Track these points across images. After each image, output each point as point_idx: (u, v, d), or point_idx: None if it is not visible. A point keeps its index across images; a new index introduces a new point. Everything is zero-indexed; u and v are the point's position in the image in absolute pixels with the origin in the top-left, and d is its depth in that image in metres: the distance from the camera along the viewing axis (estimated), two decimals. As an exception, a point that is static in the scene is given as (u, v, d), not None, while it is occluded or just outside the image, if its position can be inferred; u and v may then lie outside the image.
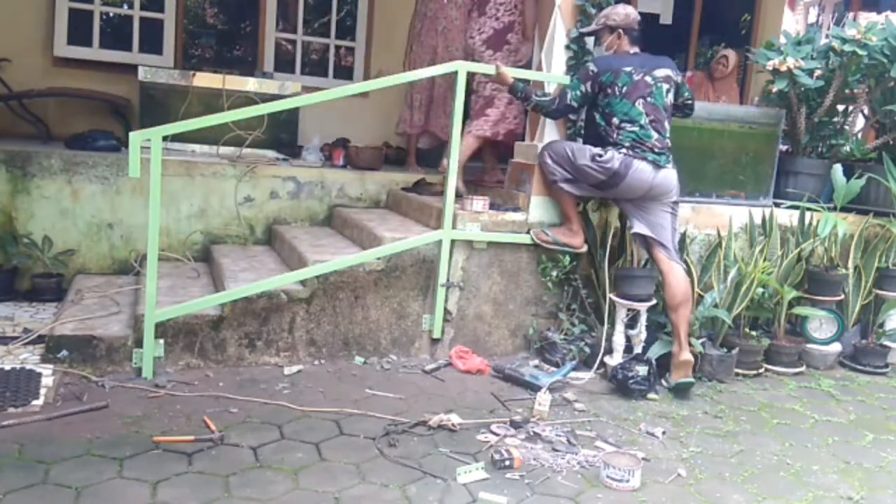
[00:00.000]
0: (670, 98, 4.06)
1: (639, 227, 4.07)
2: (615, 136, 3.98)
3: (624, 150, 3.94)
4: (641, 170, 3.94)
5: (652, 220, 4.05)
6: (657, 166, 3.96)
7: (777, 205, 5.03)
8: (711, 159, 4.86)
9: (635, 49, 4.10)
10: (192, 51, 7.10)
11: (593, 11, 4.26)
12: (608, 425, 3.51)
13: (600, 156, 3.98)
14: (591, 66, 4.02)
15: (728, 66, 6.85)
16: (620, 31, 4.07)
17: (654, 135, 3.96)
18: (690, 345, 4.02)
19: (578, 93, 4.02)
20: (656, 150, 3.96)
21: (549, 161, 4.16)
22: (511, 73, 4.30)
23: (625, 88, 3.95)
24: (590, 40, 4.35)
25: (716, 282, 4.42)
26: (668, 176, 4.01)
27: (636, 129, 3.95)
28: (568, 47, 4.33)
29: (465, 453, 3.07)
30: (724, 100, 6.75)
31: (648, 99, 3.97)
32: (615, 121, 3.98)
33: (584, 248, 4.31)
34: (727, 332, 4.42)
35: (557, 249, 4.28)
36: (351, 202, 5.41)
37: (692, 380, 3.93)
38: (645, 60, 4.04)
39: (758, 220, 4.83)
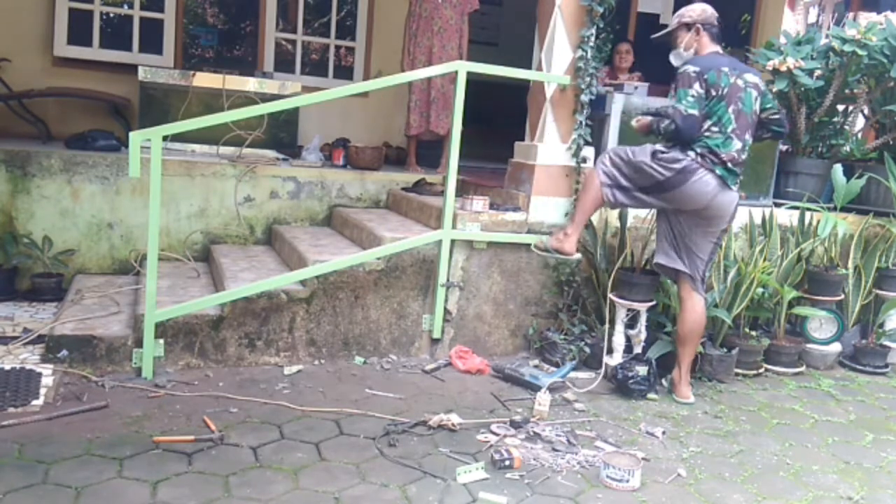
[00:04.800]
0: (757, 107, 3.74)
1: (664, 258, 3.82)
2: (699, 139, 3.67)
3: (692, 155, 3.64)
4: (706, 182, 3.61)
5: (690, 247, 3.76)
6: (724, 184, 3.63)
7: (777, 205, 5.04)
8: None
9: (717, 48, 3.79)
10: (192, 51, 7.10)
11: (600, 10, 4.26)
12: (608, 425, 3.51)
13: (663, 152, 3.68)
14: (692, 68, 3.65)
15: None
16: (699, 26, 3.77)
17: (736, 145, 3.64)
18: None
19: (691, 98, 3.61)
20: (729, 165, 3.64)
21: (607, 163, 3.83)
22: (510, 72, 4.30)
23: (725, 90, 3.62)
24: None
25: (716, 282, 4.42)
26: (731, 199, 3.69)
27: (719, 136, 3.62)
28: (579, 47, 4.31)
29: (465, 453, 3.07)
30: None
31: (738, 105, 3.65)
32: (706, 124, 3.65)
33: (577, 256, 4.04)
34: (727, 332, 4.42)
35: (549, 256, 4.09)
36: (351, 202, 5.41)
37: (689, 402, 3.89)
38: (734, 63, 3.73)
39: (758, 220, 4.84)
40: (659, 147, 3.73)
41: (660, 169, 3.68)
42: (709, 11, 3.81)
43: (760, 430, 3.61)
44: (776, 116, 3.85)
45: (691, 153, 3.65)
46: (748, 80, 3.69)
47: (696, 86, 3.62)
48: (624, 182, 3.80)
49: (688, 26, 3.82)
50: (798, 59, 4.83)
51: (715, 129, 3.64)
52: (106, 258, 4.92)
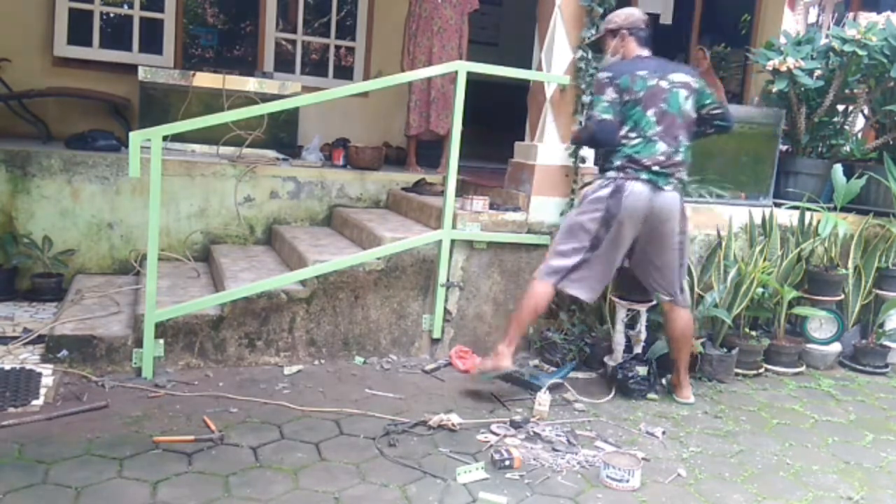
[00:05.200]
0: (689, 106, 3.64)
1: (638, 295, 3.85)
2: (616, 148, 3.61)
3: (613, 173, 3.58)
4: (636, 193, 3.51)
5: (657, 264, 3.70)
6: (655, 187, 3.54)
7: (777, 205, 5.04)
8: (711, 159, 4.86)
9: (646, 52, 3.73)
10: (192, 51, 7.10)
11: (600, 11, 4.25)
12: (608, 425, 3.51)
13: (586, 194, 3.63)
14: (603, 74, 3.65)
15: (707, 58, 6.89)
16: (624, 32, 3.73)
17: (661, 148, 3.54)
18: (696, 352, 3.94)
19: (604, 104, 3.58)
20: (655, 168, 3.54)
21: (547, 262, 3.71)
22: (510, 72, 4.30)
23: (641, 93, 3.55)
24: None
25: (716, 282, 4.42)
26: (670, 200, 3.58)
27: (639, 141, 3.55)
28: (579, 47, 4.31)
29: (465, 453, 3.07)
30: (713, 92, 6.77)
31: (662, 106, 3.56)
32: (622, 130, 3.60)
33: (508, 368, 3.69)
34: (727, 332, 4.42)
35: (491, 378, 3.75)
36: (351, 202, 5.41)
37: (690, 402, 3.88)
38: (660, 64, 3.66)
39: (758, 220, 4.83)
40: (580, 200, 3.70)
41: (594, 206, 3.59)
42: (635, 16, 3.77)
43: (760, 430, 3.61)
44: (717, 111, 3.74)
45: (612, 172, 3.59)
46: (674, 80, 3.60)
47: (609, 91, 3.59)
48: (572, 260, 3.62)
49: (613, 32, 3.77)
50: (798, 59, 4.83)
51: (633, 134, 3.57)
52: (106, 258, 4.92)
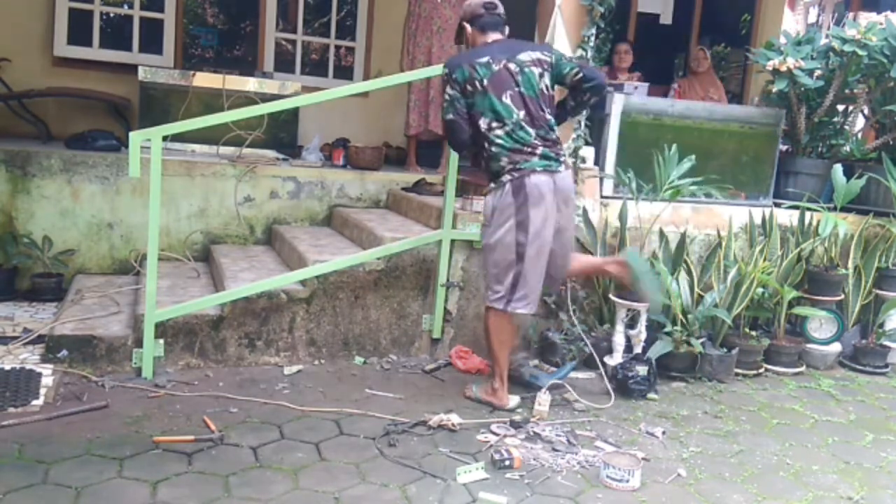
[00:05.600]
0: (545, 83, 3.44)
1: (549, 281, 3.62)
2: (490, 148, 3.40)
3: (506, 178, 3.38)
4: (539, 185, 3.36)
5: (562, 252, 3.58)
6: (548, 170, 3.39)
7: (777, 205, 5.04)
8: (711, 159, 4.86)
9: (493, 37, 3.51)
10: (192, 51, 7.10)
11: (600, 10, 4.25)
12: (608, 425, 3.51)
13: (492, 204, 3.45)
14: (444, 71, 3.49)
15: (707, 58, 6.87)
16: (465, 24, 3.55)
17: (532, 132, 3.37)
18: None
19: (446, 103, 3.45)
20: (539, 152, 3.38)
21: (490, 286, 3.54)
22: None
23: (486, 82, 3.35)
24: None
25: (716, 282, 4.42)
26: (568, 179, 3.49)
27: (506, 132, 3.36)
28: (579, 47, 4.31)
29: (465, 453, 3.07)
30: (713, 92, 6.76)
31: (516, 89, 3.36)
32: (483, 124, 3.39)
33: (511, 406, 3.58)
34: (727, 332, 4.42)
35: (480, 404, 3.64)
36: (351, 202, 5.41)
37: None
38: (507, 46, 3.44)
39: (758, 220, 4.83)
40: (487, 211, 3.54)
41: (503, 217, 3.40)
42: (472, 5, 3.53)
43: (760, 430, 3.61)
44: (579, 75, 3.46)
45: (504, 176, 3.40)
46: (523, 59, 3.40)
47: (448, 89, 3.44)
48: (508, 279, 3.46)
49: (460, 27, 3.63)
50: (798, 59, 4.83)
51: (496, 125, 3.38)
52: (106, 258, 4.92)
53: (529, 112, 3.39)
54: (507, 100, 3.36)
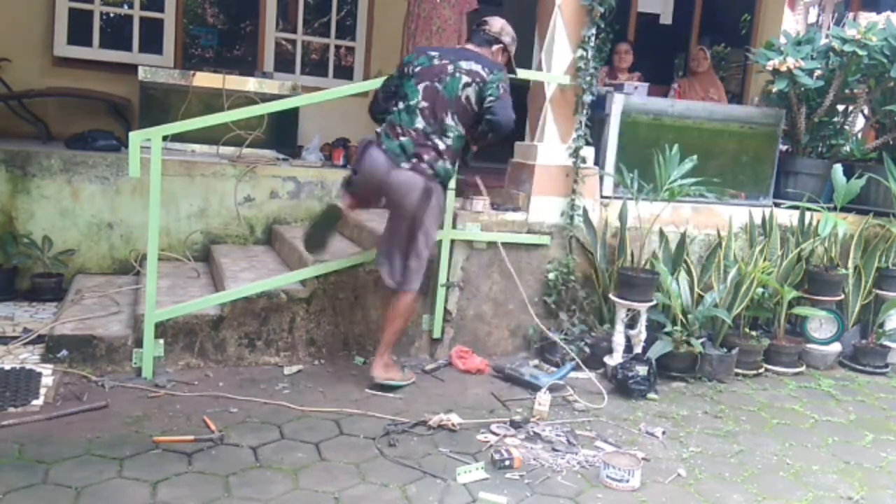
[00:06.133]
0: (467, 94, 3.50)
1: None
2: (384, 118, 3.64)
3: (372, 135, 3.60)
4: (374, 157, 3.50)
5: (388, 237, 3.67)
6: (392, 162, 3.46)
7: (777, 205, 5.04)
8: (711, 159, 4.86)
9: (469, 45, 3.74)
10: (192, 51, 7.10)
11: (600, 10, 4.25)
12: (608, 425, 3.51)
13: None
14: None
15: (707, 58, 6.87)
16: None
17: (419, 121, 3.47)
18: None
19: (385, 79, 3.74)
20: (403, 140, 3.47)
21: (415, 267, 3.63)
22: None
23: (418, 69, 3.56)
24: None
25: (716, 282, 4.42)
26: (405, 179, 3.47)
27: (401, 111, 3.52)
28: (580, 47, 4.31)
29: (465, 453, 3.07)
30: (713, 92, 6.76)
31: (437, 85, 3.49)
32: (393, 101, 3.61)
33: (412, 380, 3.78)
34: (727, 332, 4.42)
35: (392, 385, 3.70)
36: (351, 202, 5.40)
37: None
38: (463, 53, 3.62)
39: (758, 220, 4.83)
40: None
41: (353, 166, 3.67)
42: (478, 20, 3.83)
43: (760, 430, 3.61)
44: (490, 105, 3.50)
45: (376, 132, 3.62)
46: (461, 66, 3.52)
47: (396, 69, 3.72)
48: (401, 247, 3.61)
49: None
50: (798, 59, 4.83)
51: (401, 104, 3.56)
52: (106, 258, 4.92)
53: (433, 108, 3.50)
54: (420, 87, 3.53)
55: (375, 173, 3.52)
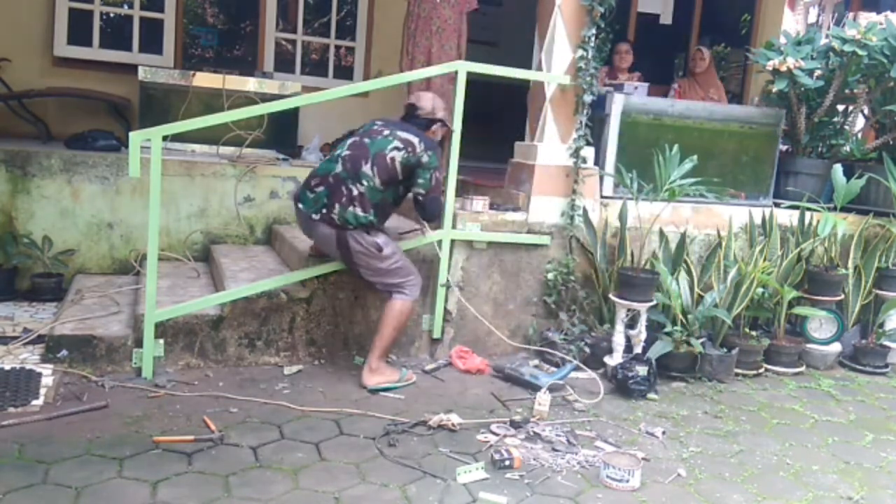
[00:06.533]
0: (393, 157, 3.57)
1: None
2: None
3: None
4: (299, 213, 3.72)
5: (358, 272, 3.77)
6: (308, 214, 3.62)
7: (777, 205, 5.04)
8: (711, 159, 4.86)
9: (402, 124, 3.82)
10: (192, 51, 7.10)
11: (600, 10, 4.25)
12: (608, 425, 3.51)
13: None
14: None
15: (705, 59, 6.86)
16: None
17: (337, 167, 3.58)
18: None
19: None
20: (314, 188, 3.60)
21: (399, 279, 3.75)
22: (510, 72, 4.30)
23: (359, 130, 3.82)
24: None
25: (716, 282, 4.42)
26: (322, 231, 3.62)
27: (324, 160, 3.76)
28: (580, 47, 4.31)
29: (465, 453, 3.07)
30: (713, 92, 6.76)
31: (365, 139, 3.64)
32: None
33: (413, 380, 3.83)
34: (727, 332, 4.42)
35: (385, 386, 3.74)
36: (351, 202, 5.40)
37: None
38: (404, 126, 3.74)
39: (758, 220, 4.83)
40: None
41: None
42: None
43: (760, 430, 3.61)
44: (419, 198, 3.70)
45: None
46: (399, 135, 3.64)
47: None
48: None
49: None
50: (798, 59, 4.83)
51: (326, 158, 3.79)
52: (106, 258, 4.92)
53: (353, 157, 3.59)
54: (349, 142, 3.71)
55: (304, 228, 3.78)
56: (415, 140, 3.64)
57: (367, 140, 3.64)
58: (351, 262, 3.70)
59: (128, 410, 3.23)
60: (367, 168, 3.57)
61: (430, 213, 3.78)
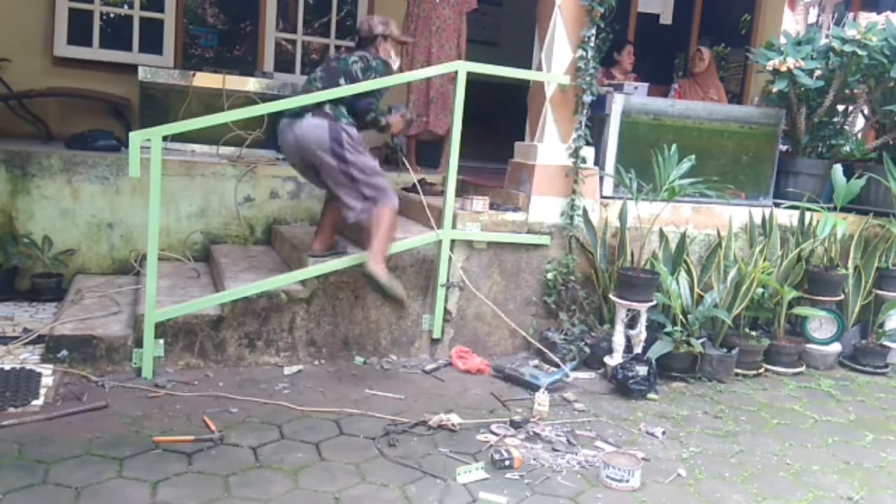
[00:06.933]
0: (356, 69, 4.09)
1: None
2: None
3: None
4: (283, 129, 4.06)
5: (331, 186, 4.04)
6: (299, 116, 3.96)
7: (777, 205, 5.04)
8: (711, 159, 4.86)
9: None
10: (192, 51, 7.11)
11: (600, 10, 4.25)
12: (608, 425, 3.51)
13: None
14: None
15: (704, 59, 6.86)
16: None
17: (317, 85, 4.06)
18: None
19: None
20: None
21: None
22: (510, 72, 4.30)
23: (322, 66, 4.26)
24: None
25: (716, 282, 4.42)
26: (310, 124, 3.93)
27: (304, 86, 4.18)
28: (580, 47, 4.32)
29: (465, 453, 3.07)
30: (713, 92, 6.76)
31: (332, 64, 4.18)
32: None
33: (400, 294, 3.89)
34: (727, 332, 4.42)
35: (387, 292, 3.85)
36: (351, 202, 5.39)
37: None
38: (354, 51, 4.26)
39: (758, 220, 4.83)
40: None
41: None
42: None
43: (760, 430, 3.61)
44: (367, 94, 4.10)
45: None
46: (355, 53, 4.20)
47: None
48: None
49: (384, 37, 4.29)
50: (798, 59, 4.83)
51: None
52: (106, 258, 4.92)
53: (328, 76, 4.10)
54: (317, 72, 4.19)
55: (290, 140, 4.00)
56: (367, 55, 4.18)
57: (334, 64, 4.16)
58: (340, 159, 3.90)
59: (128, 410, 3.24)
60: (342, 81, 4.04)
61: (359, 108, 4.06)
